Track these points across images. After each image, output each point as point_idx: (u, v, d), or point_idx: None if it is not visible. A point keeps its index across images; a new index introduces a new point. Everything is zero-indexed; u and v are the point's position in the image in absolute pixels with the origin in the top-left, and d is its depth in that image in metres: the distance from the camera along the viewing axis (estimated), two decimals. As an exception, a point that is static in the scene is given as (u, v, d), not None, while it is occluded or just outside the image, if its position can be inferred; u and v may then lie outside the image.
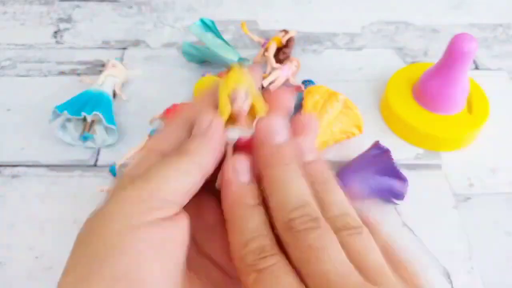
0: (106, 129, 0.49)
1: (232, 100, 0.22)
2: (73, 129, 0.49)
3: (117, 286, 0.17)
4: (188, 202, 0.23)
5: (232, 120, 0.23)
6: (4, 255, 0.39)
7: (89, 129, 0.49)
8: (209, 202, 0.24)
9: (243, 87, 0.22)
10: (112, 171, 0.47)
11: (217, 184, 0.23)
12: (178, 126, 0.23)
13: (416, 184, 0.46)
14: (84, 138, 0.49)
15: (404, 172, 0.46)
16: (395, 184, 0.44)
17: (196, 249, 0.23)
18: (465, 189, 0.47)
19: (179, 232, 0.20)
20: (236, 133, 0.22)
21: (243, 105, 0.22)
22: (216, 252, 0.24)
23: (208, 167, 0.21)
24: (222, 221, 0.24)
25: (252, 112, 0.23)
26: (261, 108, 0.23)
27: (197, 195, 0.23)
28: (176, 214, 0.21)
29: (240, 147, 0.22)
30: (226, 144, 0.23)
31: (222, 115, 0.22)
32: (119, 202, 0.20)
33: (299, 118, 0.24)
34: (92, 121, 0.49)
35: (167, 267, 0.19)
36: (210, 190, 0.25)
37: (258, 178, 0.22)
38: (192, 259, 0.23)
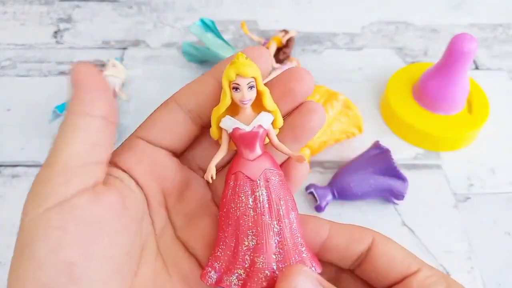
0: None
1: (234, 89, 0.21)
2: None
3: (42, 276, 0.17)
4: (171, 186, 0.23)
5: (234, 109, 0.22)
6: (4, 255, 0.39)
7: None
8: (194, 189, 0.24)
9: (246, 77, 0.21)
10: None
11: (205, 176, 0.22)
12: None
13: (416, 184, 0.46)
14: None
15: (404, 172, 0.46)
16: (395, 184, 0.44)
17: (172, 234, 0.23)
18: (465, 189, 0.47)
19: (104, 208, 0.19)
20: (233, 124, 0.21)
21: (245, 96, 0.21)
22: (194, 240, 0.23)
23: (104, 112, 0.20)
24: (205, 210, 0.24)
25: (257, 105, 0.22)
26: (268, 103, 0.22)
27: (183, 179, 0.23)
28: (99, 183, 0.20)
29: (236, 138, 0.22)
30: (223, 132, 0.22)
31: (221, 102, 0.21)
32: (31, 187, 0.20)
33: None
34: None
35: (93, 251, 0.19)
36: (198, 174, 0.24)
37: None
38: (165, 244, 0.22)
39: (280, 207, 0.21)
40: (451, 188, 0.47)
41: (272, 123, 0.22)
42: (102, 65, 0.58)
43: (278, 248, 0.21)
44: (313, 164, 0.49)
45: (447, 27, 0.66)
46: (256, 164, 0.22)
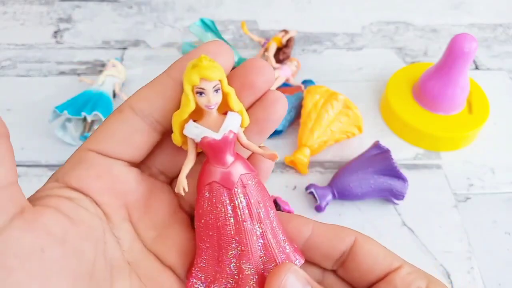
0: (106, 129, 0.49)
1: (198, 94, 0.19)
2: (73, 129, 0.49)
3: None
4: (134, 198, 0.21)
5: (198, 112, 0.20)
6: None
7: (89, 129, 0.49)
8: (159, 197, 0.22)
9: (212, 81, 0.19)
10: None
11: (176, 189, 0.20)
12: None
13: (416, 184, 0.46)
14: (84, 138, 0.49)
15: (404, 172, 0.46)
16: (395, 184, 0.44)
17: (143, 248, 0.21)
18: (465, 189, 0.47)
19: (41, 234, 0.17)
20: (200, 132, 0.20)
21: (211, 101, 0.19)
22: (167, 250, 0.22)
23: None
24: (174, 218, 0.22)
25: (221, 106, 0.20)
26: (234, 104, 0.20)
27: (145, 189, 0.21)
28: (26, 208, 0.17)
29: (205, 146, 0.20)
30: (189, 140, 0.21)
31: (184, 107, 0.20)
32: None
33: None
34: (92, 121, 0.49)
35: (50, 285, 0.16)
36: (163, 183, 0.23)
37: None
38: (136, 259, 0.21)
39: (260, 210, 0.21)
40: (451, 188, 0.47)
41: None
42: (102, 65, 0.58)
43: (263, 250, 0.21)
44: (313, 164, 0.49)
45: (447, 27, 0.66)
46: (230, 172, 0.20)
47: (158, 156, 0.22)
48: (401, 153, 0.50)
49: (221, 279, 0.21)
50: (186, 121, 0.20)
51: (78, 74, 0.57)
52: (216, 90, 0.19)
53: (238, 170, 0.21)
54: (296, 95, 0.52)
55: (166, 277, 0.21)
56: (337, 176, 0.45)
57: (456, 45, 0.47)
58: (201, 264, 0.21)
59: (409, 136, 0.51)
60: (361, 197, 0.45)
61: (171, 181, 0.23)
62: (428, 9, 0.69)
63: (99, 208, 0.20)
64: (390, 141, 0.50)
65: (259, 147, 0.22)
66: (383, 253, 0.22)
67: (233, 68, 0.21)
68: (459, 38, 0.47)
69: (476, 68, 0.61)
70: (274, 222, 0.21)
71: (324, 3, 0.69)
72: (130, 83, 0.56)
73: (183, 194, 0.20)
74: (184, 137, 0.21)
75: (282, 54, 0.58)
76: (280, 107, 0.21)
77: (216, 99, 0.20)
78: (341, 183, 0.44)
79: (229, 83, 0.20)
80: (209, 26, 0.56)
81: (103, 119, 0.47)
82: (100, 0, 0.68)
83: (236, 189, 0.20)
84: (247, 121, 0.21)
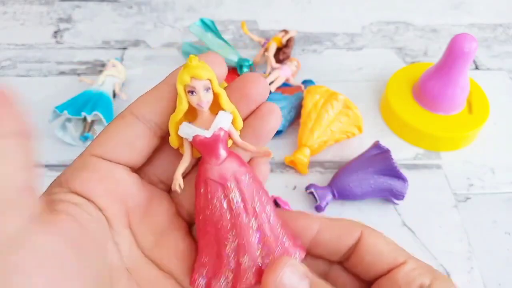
0: (106, 129, 0.49)
1: (190, 93, 0.20)
2: (73, 129, 0.49)
3: None
4: (134, 205, 0.21)
5: (193, 114, 0.21)
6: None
7: (89, 129, 0.49)
8: (158, 204, 0.22)
9: (202, 79, 0.20)
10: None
11: (172, 186, 0.21)
12: None
13: (416, 184, 0.46)
14: (84, 138, 0.49)
15: (404, 172, 0.46)
16: (395, 184, 0.44)
17: (141, 255, 0.22)
18: (465, 189, 0.47)
19: (59, 240, 0.17)
20: (192, 132, 0.21)
21: (202, 99, 0.20)
22: (167, 257, 0.22)
23: (14, 128, 0.18)
24: (172, 224, 0.22)
25: (215, 108, 0.21)
26: (226, 104, 0.21)
27: (145, 196, 0.22)
28: (43, 212, 0.17)
29: (198, 145, 0.21)
30: (184, 140, 0.21)
31: (178, 107, 0.20)
32: None
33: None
34: (92, 121, 0.49)
35: None
36: (163, 189, 0.23)
37: None
38: (136, 267, 0.21)
39: (255, 204, 0.21)
40: (451, 188, 0.47)
41: (233, 124, 0.22)
42: (102, 65, 0.58)
43: (261, 244, 0.21)
44: (313, 164, 0.49)
45: (447, 27, 0.66)
46: (223, 168, 0.21)
47: (158, 165, 0.23)
48: (401, 153, 0.50)
49: (220, 273, 0.21)
50: (181, 121, 0.21)
51: (78, 74, 0.57)
52: (207, 89, 0.20)
53: (231, 166, 0.21)
54: (296, 95, 0.52)
55: (165, 283, 0.22)
56: (337, 176, 0.45)
57: (456, 45, 0.47)
58: (203, 260, 0.22)
59: (409, 136, 0.51)
60: (361, 197, 0.45)
61: (170, 189, 0.23)
62: (428, 9, 0.69)
63: (102, 213, 0.20)
64: (390, 141, 0.50)
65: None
66: (389, 247, 0.22)
67: (234, 72, 0.23)
68: (459, 38, 0.47)
69: (476, 68, 0.61)
70: (272, 217, 0.22)
71: (324, 3, 0.69)
72: (130, 83, 0.56)
73: (178, 191, 0.21)
74: (180, 139, 0.21)
75: (282, 54, 0.58)
76: (274, 118, 0.23)
77: (207, 97, 0.20)
78: (341, 183, 0.44)
79: (228, 95, 0.21)
80: (209, 26, 0.56)
81: (103, 119, 0.47)
82: (100, 0, 0.68)
83: (229, 184, 0.21)
84: (240, 122, 0.22)
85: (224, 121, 0.21)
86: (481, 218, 0.45)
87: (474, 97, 0.52)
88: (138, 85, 0.56)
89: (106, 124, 0.47)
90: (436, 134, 0.50)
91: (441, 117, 0.51)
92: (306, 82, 0.56)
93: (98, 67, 0.58)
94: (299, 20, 0.66)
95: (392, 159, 0.44)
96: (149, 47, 0.61)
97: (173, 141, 0.21)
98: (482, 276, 0.41)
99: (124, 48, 0.61)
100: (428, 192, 0.47)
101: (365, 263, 0.22)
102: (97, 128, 0.49)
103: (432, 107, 0.51)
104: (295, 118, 0.52)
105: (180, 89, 0.20)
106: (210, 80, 0.20)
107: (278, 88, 0.54)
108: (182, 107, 0.20)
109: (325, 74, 0.58)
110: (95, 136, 0.50)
